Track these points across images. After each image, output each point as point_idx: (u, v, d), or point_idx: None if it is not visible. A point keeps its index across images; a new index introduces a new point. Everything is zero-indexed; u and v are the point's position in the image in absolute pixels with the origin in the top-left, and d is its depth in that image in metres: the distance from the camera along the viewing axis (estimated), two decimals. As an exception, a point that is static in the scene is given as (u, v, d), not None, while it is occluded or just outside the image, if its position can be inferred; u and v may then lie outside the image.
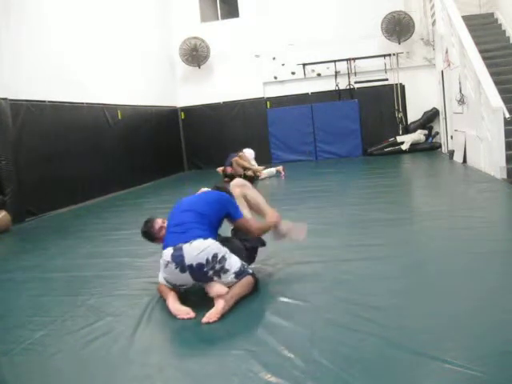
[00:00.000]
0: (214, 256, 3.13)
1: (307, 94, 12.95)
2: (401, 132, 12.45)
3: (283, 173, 10.13)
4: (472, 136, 8.24)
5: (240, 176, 8.54)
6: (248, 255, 3.50)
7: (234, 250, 3.32)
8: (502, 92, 7.53)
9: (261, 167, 10.17)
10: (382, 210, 5.75)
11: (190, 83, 13.59)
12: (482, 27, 10.47)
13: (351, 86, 12.52)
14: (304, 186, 8.39)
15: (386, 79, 12.37)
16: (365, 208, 6.03)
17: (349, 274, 3.58)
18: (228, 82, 13.17)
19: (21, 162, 7.52)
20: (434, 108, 12.21)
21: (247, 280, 3.23)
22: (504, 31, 10.39)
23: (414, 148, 12.03)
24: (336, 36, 12.33)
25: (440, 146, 11.97)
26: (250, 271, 3.31)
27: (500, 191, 6.27)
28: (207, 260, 3.10)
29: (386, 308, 2.90)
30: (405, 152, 11.97)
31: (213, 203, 3.48)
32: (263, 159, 11.38)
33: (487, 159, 7.51)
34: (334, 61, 12.35)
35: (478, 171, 7.81)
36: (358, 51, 12.28)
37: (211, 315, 2.93)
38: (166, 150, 12.65)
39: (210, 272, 3.13)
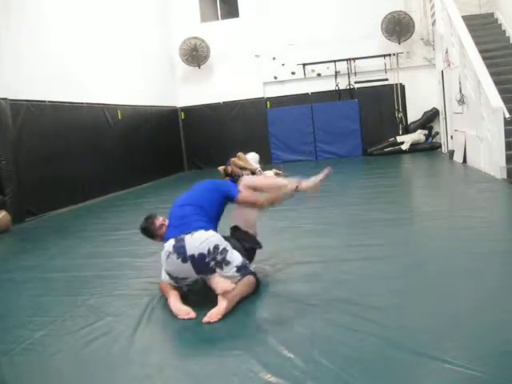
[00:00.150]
0: (216, 247, 3.15)
1: (307, 94, 12.96)
2: (401, 132, 12.45)
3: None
4: (472, 136, 8.23)
5: (240, 176, 8.48)
6: (247, 255, 3.50)
7: (234, 248, 3.33)
8: (501, 92, 7.53)
9: (271, 171, 9.90)
10: (381, 210, 5.75)
11: (189, 83, 13.59)
12: (481, 27, 10.47)
13: (351, 86, 12.52)
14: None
15: (386, 79, 12.37)
16: (365, 208, 6.03)
17: (349, 274, 3.58)
18: (228, 81, 13.17)
19: (21, 162, 7.53)
20: (434, 108, 12.21)
21: (249, 280, 3.23)
22: (504, 31, 10.39)
23: (414, 148, 12.03)
24: (336, 36, 12.34)
25: (440, 146, 11.97)
26: (252, 270, 3.32)
27: (500, 191, 6.27)
28: (208, 250, 3.12)
29: (386, 308, 2.90)
30: (405, 152, 11.97)
31: (208, 193, 3.52)
32: (263, 159, 11.33)
33: (487, 159, 7.51)
34: (334, 61, 12.36)
35: (478, 171, 7.81)
36: (358, 51, 12.28)
37: (212, 315, 2.92)
38: (166, 150, 12.65)
39: (212, 263, 3.13)
